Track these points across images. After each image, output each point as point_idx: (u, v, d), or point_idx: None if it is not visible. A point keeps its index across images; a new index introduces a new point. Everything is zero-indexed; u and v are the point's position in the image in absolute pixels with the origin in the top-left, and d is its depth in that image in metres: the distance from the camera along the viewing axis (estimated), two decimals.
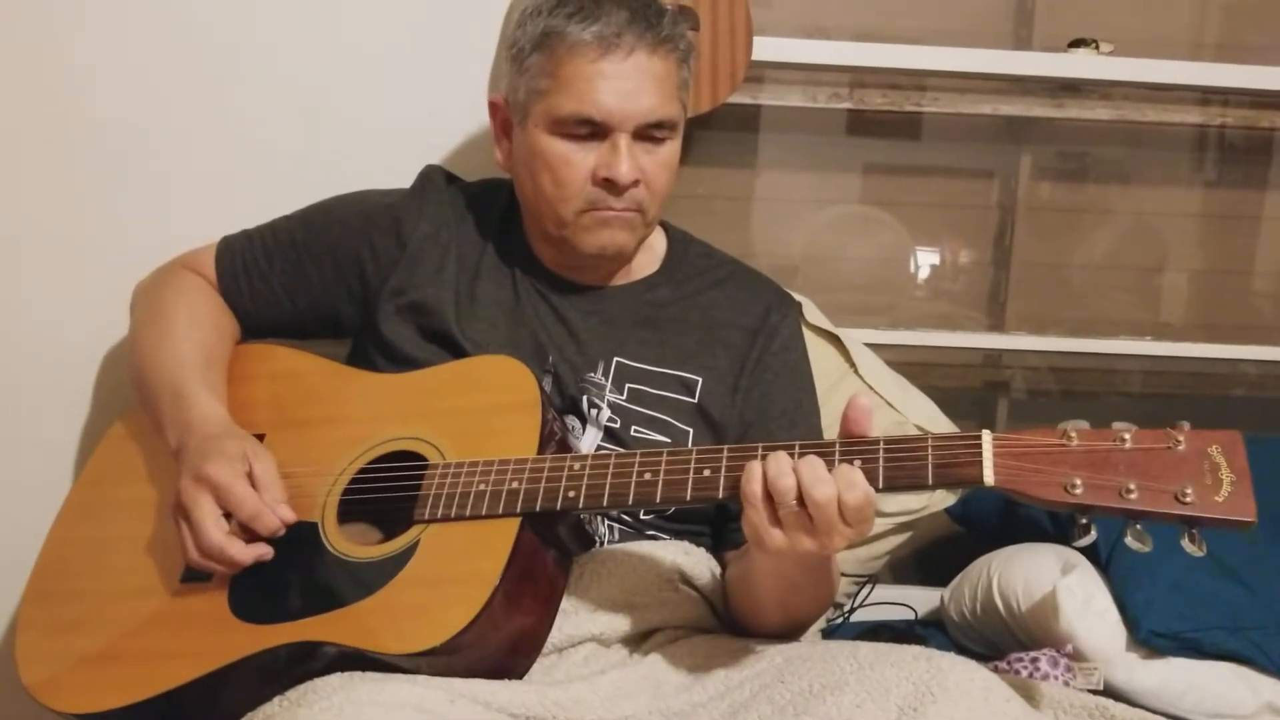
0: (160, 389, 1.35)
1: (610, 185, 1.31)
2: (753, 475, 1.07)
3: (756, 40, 1.70)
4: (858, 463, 1.06)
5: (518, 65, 1.35)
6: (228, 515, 1.21)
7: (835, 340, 1.77)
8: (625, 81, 1.29)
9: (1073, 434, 1.02)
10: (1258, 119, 2.06)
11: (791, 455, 1.07)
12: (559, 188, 1.33)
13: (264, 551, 1.21)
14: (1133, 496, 0.98)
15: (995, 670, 1.25)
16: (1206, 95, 2.04)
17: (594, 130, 1.30)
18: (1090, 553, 1.60)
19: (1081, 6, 2.06)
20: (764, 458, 1.08)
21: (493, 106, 1.42)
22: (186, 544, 1.21)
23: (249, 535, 1.21)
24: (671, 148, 1.35)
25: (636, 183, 1.32)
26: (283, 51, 1.70)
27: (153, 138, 1.70)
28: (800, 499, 1.04)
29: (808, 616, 1.28)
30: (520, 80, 1.34)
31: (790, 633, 1.27)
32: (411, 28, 1.71)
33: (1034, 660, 1.49)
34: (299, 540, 1.23)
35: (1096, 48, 1.92)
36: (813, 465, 1.05)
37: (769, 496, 1.06)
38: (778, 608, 1.25)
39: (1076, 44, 1.93)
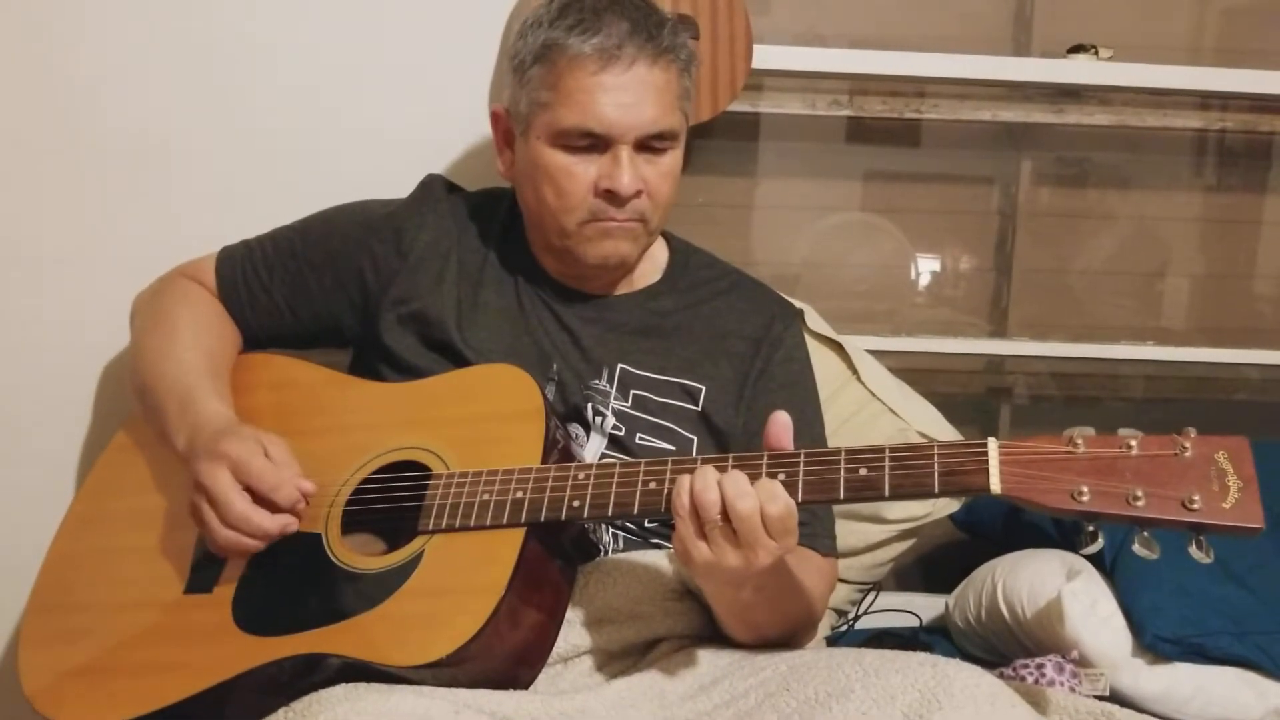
0: (167, 396, 1.34)
1: (612, 197, 1.31)
2: (681, 488, 1.09)
3: (755, 48, 1.70)
4: (781, 476, 1.08)
5: (519, 77, 1.35)
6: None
7: (837, 347, 1.76)
8: (626, 94, 1.29)
9: (1079, 441, 1.02)
10: (1257, 123, 2.06)
11: (722, 470, 1.09)
12: (561, 199, 1.33)
13: (289, 522, 1.20)
14: (1140, 504, 0.98)
15: (1001, 676, 1.24)
16: (1206, 100, 2.04)
17: (595, 142, 1.31)
18: (1095, 558, 1.59)
19: (1080, 12, 2.06)
20: (693, 472, 1.09)
21: (494, 117, 1.42)
22: (210, 524, 1.20)
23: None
24: (673, 157, 1.35)
25: (639, 193, 1.32)
26: (285, 61, 1.70)
27: (154, 147, 1.70)
28: (724, 513, 1.06)
29: (781, 633, 1.26)
30: (522, 92, 1.34)
31: (780, 643, 1.26)
32: (413, 38, 1.71)
33: (1040, 666, 1.49)
34: (303, 552, 1.22)
35: (1096, 53, 1.92)
36: (735, 480, 1.07)
37: (696, 510, 1.08)
38: (742, 625, 1.24)
39: (1076, 50, 1.93)
